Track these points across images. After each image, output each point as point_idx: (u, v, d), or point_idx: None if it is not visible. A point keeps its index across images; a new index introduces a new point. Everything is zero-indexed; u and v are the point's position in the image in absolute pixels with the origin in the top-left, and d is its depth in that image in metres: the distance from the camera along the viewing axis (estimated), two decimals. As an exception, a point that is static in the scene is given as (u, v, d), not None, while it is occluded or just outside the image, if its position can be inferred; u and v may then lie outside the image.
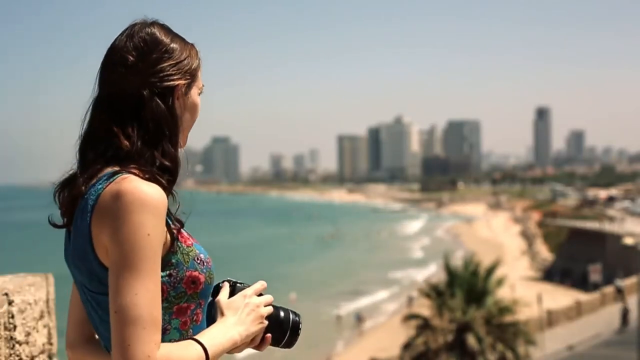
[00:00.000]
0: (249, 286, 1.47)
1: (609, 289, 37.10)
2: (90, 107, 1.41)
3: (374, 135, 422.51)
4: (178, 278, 1.33)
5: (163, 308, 1.29)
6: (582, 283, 44.37)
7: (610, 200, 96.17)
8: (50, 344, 2.41)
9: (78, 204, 1.34)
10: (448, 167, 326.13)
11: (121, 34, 1.42)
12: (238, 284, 1.47)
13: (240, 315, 1.40)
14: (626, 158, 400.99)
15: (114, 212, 1.25)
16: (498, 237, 79.09)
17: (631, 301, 32.53)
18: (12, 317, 2.15)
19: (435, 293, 21.93)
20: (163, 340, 1.27)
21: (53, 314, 2.45)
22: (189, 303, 1.35)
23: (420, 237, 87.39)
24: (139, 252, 1.23)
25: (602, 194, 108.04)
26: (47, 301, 2.40)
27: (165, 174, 1.35)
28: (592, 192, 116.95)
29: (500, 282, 22.56)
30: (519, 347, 20.88)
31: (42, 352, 2.33)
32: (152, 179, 1.31)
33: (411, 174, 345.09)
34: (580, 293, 40.68)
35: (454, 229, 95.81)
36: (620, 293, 36.56)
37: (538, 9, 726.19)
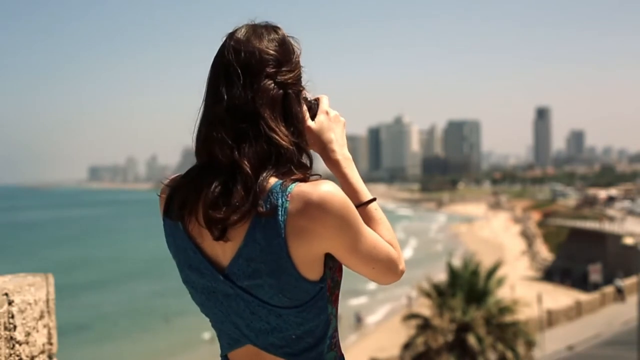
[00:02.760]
0: (316, 102, 1.55)
1: (609, 289, 37.11)
2: (231, 104, 1.36)
3: (374, 135, 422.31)
4: (334, 269, 1.40)
5: (329, 301, 1.39)
6: (582, 283, 44.39)
7: (610, 200, 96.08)
8: (50, 344, 2.41)
9: (248, 219, 1.31)
10: (448, 167, 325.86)
11: (249, 33, 1.41)
12: (311, 101, 1.54)
13: (337, 137, 1.53)
14: (626, 158, 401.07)
15: (331, 220, 1.30)
16: (498, 237, 79.10)
17: (631, 301, 32.55)
18: (12, 317, 2.15)
19: (435, 293, 21.93)
20: (328, 330, 1.40)
21: (53, 314, 2.45)
22: (339, 290, 1.44)
23: (420, 237, 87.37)
24: (359, 225, 1.36)
25: (602, 194, 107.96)
26: (47, 301, 2.40)
27: (307, 172, 1.39)
28: (592, 192, 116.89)
29: (500, 282, 22.56)
30: (519, 347, 20.88)
31: (42, 352, 2.33)
32: (318, 180, 1.36)
33: (411, 174, 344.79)
34: (580, 293, 40.71)
35: (454, 229, 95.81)
36: (620, 293, 36.60)
37: (538, 9, 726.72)
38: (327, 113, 1.52)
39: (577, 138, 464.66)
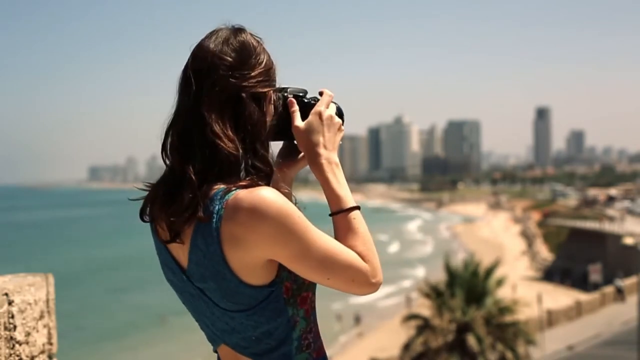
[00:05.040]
0: (315, 100, 1.52)
1: (609, 289, 37.11)
2: (182, 110, 1.39)
3: (374, 135, 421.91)
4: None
5: (290, 303, 1.38)
6: (582, 283, 44.37)
7: (610, 200, 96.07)
8: (50, 344, 2.40)
9: (192, 223, 1.33)
10: (448, 167, 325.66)
11: (209, 38, 1.41)
12: (305, 100, 1.51)
13: (326, 139, 1.48)
14: (626, 158, 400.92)
15: (263, 227, 1.28)
16: (498, 237, 79.04)
17: (631, 301, 32.53)
18: (12, 317, 2.15)
19: (435, 293, 21.92)
20: (294, 332, 1.39)
21: (53, 314, 2.44)
22: (307, 291, 1.42)
23: (421, 236, 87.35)
24: (304, 233, 1.31)
25: (602, 194, 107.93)
26: (47, 301, 2.40)
27: (263, 178, 1.37)
28: (592, 192, 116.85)
29: (500, 282, 22.54)
30: (519, 347, 20.87)
31: (42, 352, 2.33)
32: (259, 185, 1.34)
33: (411, 174, 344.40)
34: (580, 293, 40.70)
35: (454, 229, 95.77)
36: (620, 293, 36.59)
37: (538, 9, 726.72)
38: (319, 114, 1.49)
39: (577, 138, 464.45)
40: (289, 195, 1.38)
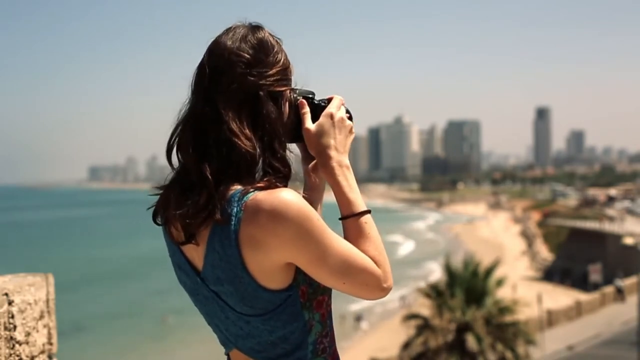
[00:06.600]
0: (325, 102, 1.51)
1: (609, 289, 37.10)
2: (197, 107, 1.37)
3: (374, 135, 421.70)
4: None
5: (306, 307, 1.37)
6: (582, 283, 44.36)
7: (610, 200, 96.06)
8: (50, 344, 2.40)
9: (208, 225, 1.31)
10: (448, 167, 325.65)
11: (226, 35, 1.40)
12: (315, 101, 1.50)
13: (337, 141, 1.46)
14: (626, 158, 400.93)
15: (283, 230, 1.26)
16: (498, 237, 79.02)
17: (631, 301, 32.53)
18: (12, 317, 2.14)
19: (435, 293, 21.90)
20: (309, 337, 1.38)
21: (53, 314, 2.44)
22: (323, 295, 1.40)
23: (432, 235, 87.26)
24: (322, 236, 1.30)
25: (602, 194, 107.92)
26: (47, 301, 2.39)
27: (281, 179, 1.35)
28: (592, 192, 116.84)
29: (500, 282, 22.53)
30: (519, 347, 20.85)
31: (42, 352, 2.32)
32: (278, 186, 1.33)
33: (411, 174, 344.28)
34: (580, 293, 40.69)
35: (454, 229, 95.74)
36: (620, 293, 36.58)
37: (538, 9, 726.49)
38: (331, 116, 1.48)
39: (577, 138, 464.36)
40: (308, 201, 1.36)
